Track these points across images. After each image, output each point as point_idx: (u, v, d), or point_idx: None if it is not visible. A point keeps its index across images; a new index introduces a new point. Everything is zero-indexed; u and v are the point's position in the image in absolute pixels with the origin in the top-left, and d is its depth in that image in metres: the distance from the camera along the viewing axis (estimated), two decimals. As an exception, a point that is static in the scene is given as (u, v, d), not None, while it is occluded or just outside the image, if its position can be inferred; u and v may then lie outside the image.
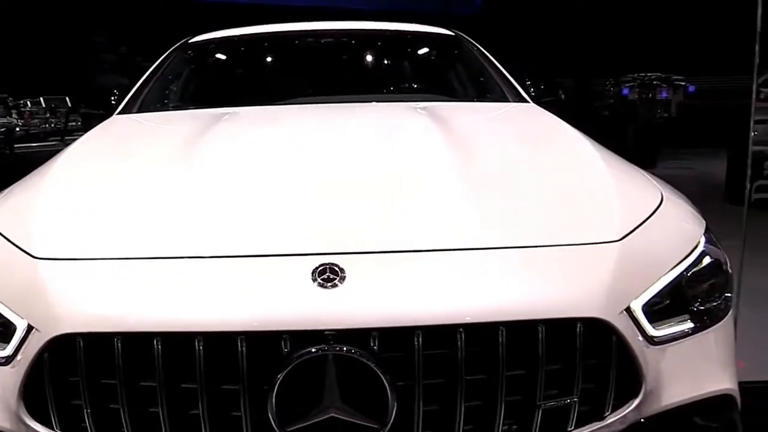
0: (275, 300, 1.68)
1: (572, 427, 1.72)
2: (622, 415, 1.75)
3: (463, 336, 1.62)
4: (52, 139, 20.84)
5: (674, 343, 1.82)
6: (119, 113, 3.55)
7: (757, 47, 3.58)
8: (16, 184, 2.43)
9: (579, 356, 1.68)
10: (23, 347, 1.70)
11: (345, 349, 1.59)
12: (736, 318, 2.97)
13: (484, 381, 1.66)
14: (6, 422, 1.73)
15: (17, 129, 15.06)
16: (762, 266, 4.16)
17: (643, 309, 1.78)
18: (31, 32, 16.74)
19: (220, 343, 1.62)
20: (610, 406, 1.74)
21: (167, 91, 4.02)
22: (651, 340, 1.78)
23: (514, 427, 1.71)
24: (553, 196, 2.11)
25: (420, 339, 1.61)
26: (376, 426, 1.61)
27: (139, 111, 3.58)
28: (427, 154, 2.51)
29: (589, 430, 1.73)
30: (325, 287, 1.68)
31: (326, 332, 1.60)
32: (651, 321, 1.79)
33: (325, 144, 2.75)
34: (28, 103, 16.85)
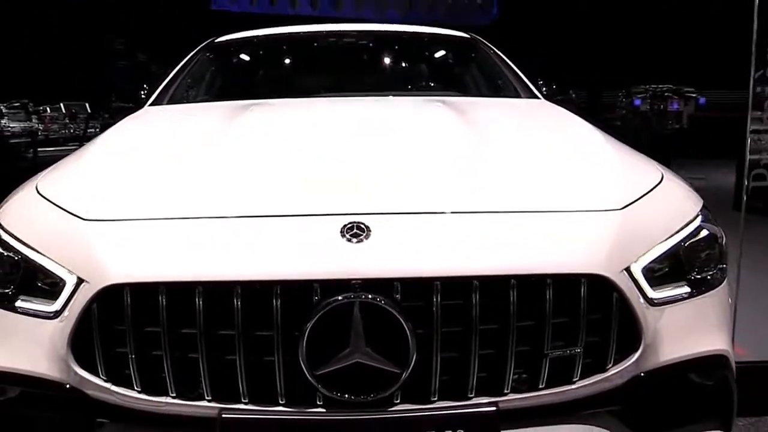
0: (308, 252, 1.85)
1: (577, 378, 1.88)
2: (622, 368, 1.91)
3: (478, 287, 1.79)
4: (71, 144, 21.15)
5: (672, 305, 1.99)
6: (150, 105, 3.74)
7: (753, 56, 3.72)
8: (59, 161, 2.61)
9: (583, 310, 1.84)
10: (72, 301, 1.87)
11: (370, 296, 1.75)
12: (736, 306, 3.12)
13: (496, 331, 1.83)
14: (55, 372, 1.90)
15: (39, 134, 15.30)
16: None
17: (642, 272, 1.95)
18: (51, 38, 16.99)
19: (257, 292, 1.79)
20: (612, 360, 1.90)
21: (195, 86, 4.20)
22: (650, 301, 1.94)
23: (524, 375, 1.87)
24: (561, 169, 2.30)
25: (438, 289, 1.78)
26: (397, 371, 1.77)
27: (169, 104, 3.76)
28: (445, 131, 2.71)
29: (593, 380, 1.89)
30: (352, 242, 1.85)
31: (353, 281, 1.77)
32: (651, 285, 1.96)
33: (350, 122, 2.97)
34: (48, 109, 17.06)
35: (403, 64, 4.68)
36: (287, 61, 4.64)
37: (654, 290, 1.96)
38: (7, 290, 1.98)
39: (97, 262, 1.88)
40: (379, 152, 2.44)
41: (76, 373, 1.87)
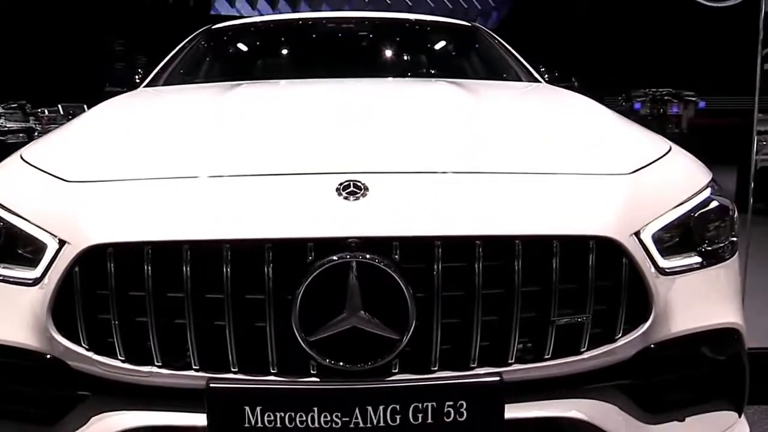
0: (302, 210, 1.76)
1: (584, 348, 1.79)
2: (632, 338, 1.82)
3: (480, 248, 1.70)
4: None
5: (683, 275, 1.90)
6: (145, 87, 3.66)
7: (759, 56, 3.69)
8: (47, 134, 2.55)
9: (591, 275, 1.75)
10: (53, 266, 1.77)
11: (368, 256, 1.65)
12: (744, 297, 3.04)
13: (500, 296, 1.73)
14: (35, 341, 1.80)
15: (36, 133, 15.27)
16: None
17: (653, 240, 1.86)
18: (50, 40, 16.96)
19: (247, 253, 1.69)
20: (621, 329, 1.80)
21: (190, 71, 4.11)
22: (661, 271, 1.85)
23: (529, 344, 1.78)
24: (568, 136, 2.22)
25: (439, 249, 1.68)
26: (395, 337, 1.67)
27: (164, 86, 3.68)
28: (448, 98, 2.64)
29: (601, 351, 1.80)
30: (349, 200, 1.76)
31: (350, 240, 1.67)
32: (662, 255, 1.87)
33: (348, 92, 2.89)
34: (46, 111, 17.00)
35: (403, 52, 4.56)
36: (284, 47, 4.55)
37: (664, 259, 1.87)
38: None
39: (79, 223, 1.79)
40: (378, 115, 2.36)
41: (56, 342, 1.78)
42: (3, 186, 2.04)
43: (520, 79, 3.80)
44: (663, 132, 14.95)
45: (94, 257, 1.74)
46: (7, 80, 14.68)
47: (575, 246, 1.76)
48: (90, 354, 1.77)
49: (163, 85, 3.69)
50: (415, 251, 1.70)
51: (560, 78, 4.02)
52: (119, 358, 1.76)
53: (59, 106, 18.61)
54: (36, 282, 1.79)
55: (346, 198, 1.76)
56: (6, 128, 14.18)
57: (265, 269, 1.67)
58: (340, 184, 1.79)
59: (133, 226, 1.76)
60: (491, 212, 1.78)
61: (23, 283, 1.81)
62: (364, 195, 1.77)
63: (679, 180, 2.07)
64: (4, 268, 1.87)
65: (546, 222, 1.77)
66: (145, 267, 1.70)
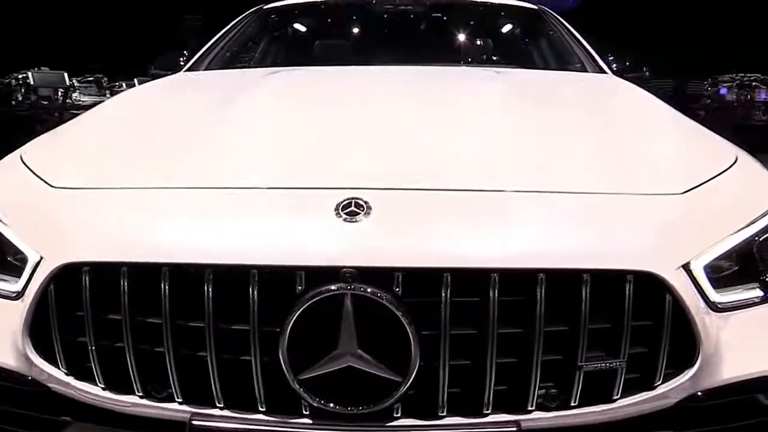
0: (293, 233, 1.55)
1: (618, 396, 1.55)
2: (675, 385, 1.57)
3: (496, 282, 1.47)
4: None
5: (739, 311, 1.62)
6: (186, 71, 3.50)
7: None
8: (56, 128, 2.40)
9: (627, 314, 1.50)
10: (32, 280, 1.61)
11: (367, 290, 1.44)
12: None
13: (519, 336, 1.50)
14: (11, 359, 1.65)
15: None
16: None
17: (705, 270, 1.59)
18: (129, 15, 17.16)
19: (231, 279, 1.50)
20: (662, 375, 1.56)
21: (237, 54, 3.95)
22: (713, 306, 1.58)
23: (553, 391, 1.55)
24: (614, 147, 1.96)
25: (448, 283, 1.46)
26: (397, 379, 1.47)
27: (206, 70, 3.52)
28: (479, 104, 2.38)
29: (638, 399, 1.56)
30: (348, 221, 1.55)
31: (345, 269, 1.46)
32: (715, 287, 1.60)
33: (376, 92, 2.64)
34: (124, 84, 17.23)
35: (463, 35, 4.31)
36: (339, 29, 4.35)
37: (718, 293, 1.60)
38: None
39: (57, 237, 1.63)
40: (400, 124, 2.11)
41: (33, 363, 1.63)
42: None
43: (584, 68, 3.52)
44: (750, 119, 14.33)
45: (71, 274, 1.57)
46: (85, 54, 14.86)
47: (609, 278, 1.51)
48: (69, 379, 1.62)
49: (206, 69, 3.52)
50: (420, 282, 1.47)
51: (631, 68, 3.73)
52: (99, 385, 1.60)
53: (135, 80, 18.86)
54: (18, 296, 1.64)
55: (345, 220, 1.55)
56: (80, 102, 14.41)
57: (250, 298, 1.47)
58: (340, 203, 1.58)
59: (110, 243, 1.59)
60: (510, 239, 1.53)
61: (7, 296, 1.66)
62: (366, 214, 1.55)
63: (743, 199, 1.78)
64: None
65: (575, 252, 1.52)
66: (122, 289, 1.53)
